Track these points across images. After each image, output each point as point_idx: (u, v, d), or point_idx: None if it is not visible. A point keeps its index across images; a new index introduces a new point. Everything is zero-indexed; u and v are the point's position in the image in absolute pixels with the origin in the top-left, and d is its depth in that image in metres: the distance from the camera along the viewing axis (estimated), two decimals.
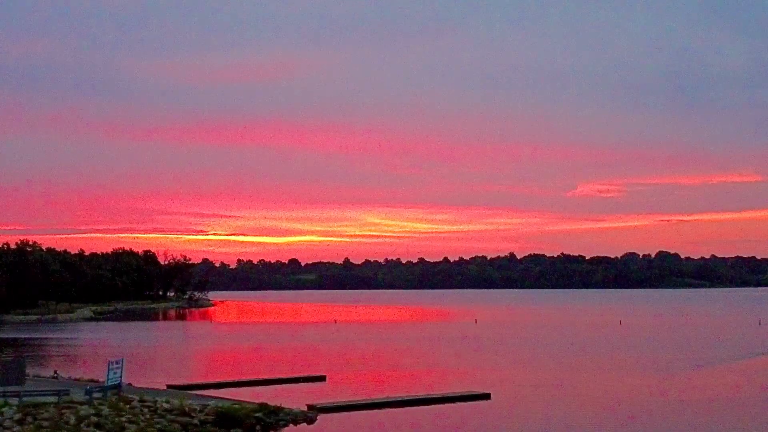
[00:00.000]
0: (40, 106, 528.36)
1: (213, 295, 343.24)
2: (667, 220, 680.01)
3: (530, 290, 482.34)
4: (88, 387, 45.16)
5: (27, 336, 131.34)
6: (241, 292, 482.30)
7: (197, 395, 56.57)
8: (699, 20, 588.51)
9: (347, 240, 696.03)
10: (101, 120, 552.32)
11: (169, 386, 62.24)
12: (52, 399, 43.50)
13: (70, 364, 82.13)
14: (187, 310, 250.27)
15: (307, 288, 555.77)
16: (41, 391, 44.40)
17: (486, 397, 57.72)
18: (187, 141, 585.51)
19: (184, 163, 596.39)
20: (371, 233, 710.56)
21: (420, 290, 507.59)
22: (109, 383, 45.43)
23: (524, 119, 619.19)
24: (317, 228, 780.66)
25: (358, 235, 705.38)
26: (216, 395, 56.56)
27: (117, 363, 46.58)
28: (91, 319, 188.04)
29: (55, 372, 64.69)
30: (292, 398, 55.01)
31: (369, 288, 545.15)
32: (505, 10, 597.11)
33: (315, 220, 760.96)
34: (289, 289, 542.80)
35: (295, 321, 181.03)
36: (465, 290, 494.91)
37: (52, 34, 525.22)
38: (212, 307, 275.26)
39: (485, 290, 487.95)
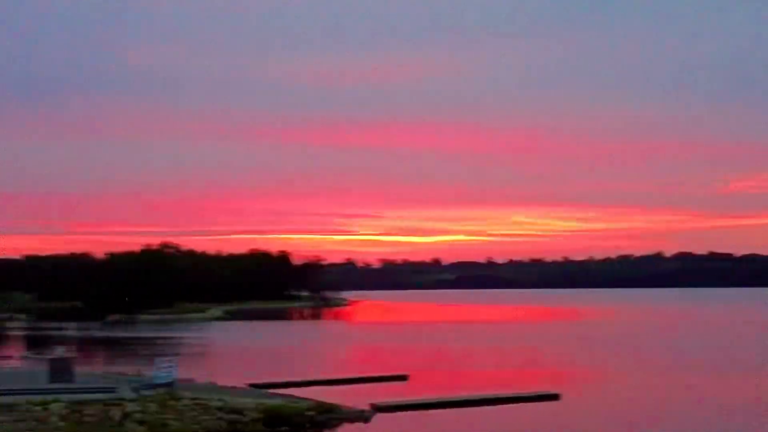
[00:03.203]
0: (183, 112, 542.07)
1: (351, 295, 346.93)
2: None
3: (676, 289, 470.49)
4: (137, 384, 46.06)
5: (150, 335, 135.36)
6: (381, 291, 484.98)
7: (272, 393, 57.17)
8: None
9: (492, 239, 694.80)
10: (250, 123, 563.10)
11: (251, 385, 63.05)
12: (101, 396, 44.47)
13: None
14: (319, 310, 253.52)
15: (449, 288, 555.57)
16: (91, 388, 45.49)
17: (555, 397, 56.49)
18: (332, 142, 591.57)
19: (330, 165, 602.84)
20: (516, 232, 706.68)
21: (563, 290, 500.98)
22: (157, 381, 46.20)
23: (672, 114, 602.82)
24: (462, 227, 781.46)
25: (503, 234, 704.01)
26: (292, 394, 56.99)
27: (168, 361, 47.35)
28: (221, 319, 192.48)
29: (139, 371, 66.15)
30: (364, 397, 54.88)
31: (511, 288, 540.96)
32: (635, 5, 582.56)
33: (460, 220, 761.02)
34: (431, 288, 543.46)
35: (417, 320, 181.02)
36: (609, 289, 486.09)
37: (176, 40, 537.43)
38: (345, 307, 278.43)
39: (629, 289, 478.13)
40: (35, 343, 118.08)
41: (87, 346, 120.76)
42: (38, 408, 42.05)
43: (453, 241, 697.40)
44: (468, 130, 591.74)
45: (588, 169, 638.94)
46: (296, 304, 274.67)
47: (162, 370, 46.73)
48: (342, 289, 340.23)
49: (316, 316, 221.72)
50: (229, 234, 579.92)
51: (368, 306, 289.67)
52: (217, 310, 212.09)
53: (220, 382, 62.83)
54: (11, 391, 44.38)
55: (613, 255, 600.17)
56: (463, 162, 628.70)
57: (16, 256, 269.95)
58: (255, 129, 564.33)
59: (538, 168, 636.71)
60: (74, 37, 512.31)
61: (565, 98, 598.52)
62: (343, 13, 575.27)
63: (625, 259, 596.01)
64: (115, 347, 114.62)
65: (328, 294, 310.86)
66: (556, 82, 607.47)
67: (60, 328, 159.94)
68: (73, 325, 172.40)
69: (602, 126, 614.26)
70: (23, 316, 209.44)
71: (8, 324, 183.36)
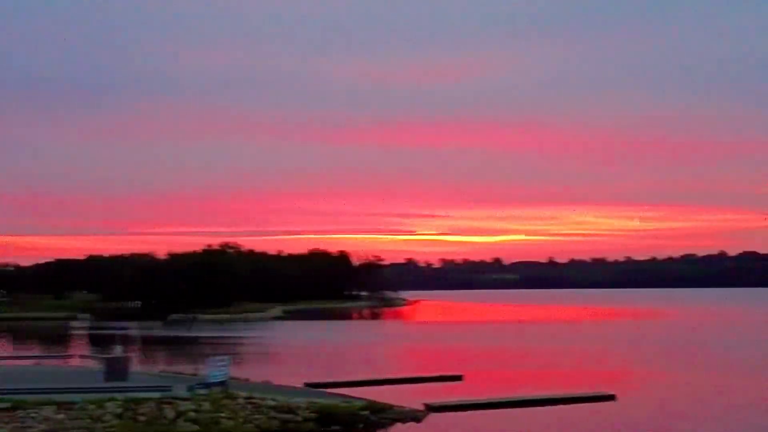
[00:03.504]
0: (244, 112, 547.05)
1: (411, 295, 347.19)
2: None
3: (740, 289, 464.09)
4: (191, 383, 46.49)
5: (210, 334, 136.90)
6: (442, 291, 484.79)
7: (328, 393, 57.37)
8: None
9: (553, 239, 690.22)
10: (310, 124, 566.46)
11: (306, 384, 63.37)
12: (155, 395, 44.92)
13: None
14: (378, 310, 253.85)
15: (510, 287, 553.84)
16: (145, 386, 45.99)
17: (610, 398, 55.96)
18: (393, 143, 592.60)
19: (391, 165, 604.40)
20: (578, 231, 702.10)
21: (625, 289, 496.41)
22: (211, 380, 46.58)
23: (733, 113, 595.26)
24: (524, 227, 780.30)
25: (565, 234, 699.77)
26: (347, 393, 57.11)
27: (221, 360, 47.73)
28: (280, 319, 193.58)
29: (196, 369, 66.83)
30: (419, 397, 54.80)
31: (573, 287, 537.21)
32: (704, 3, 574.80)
33: (522, 219, 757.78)
34: (492, 288, 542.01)
35: (476, 320, 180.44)
36: (671, 289, 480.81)
37: (251, 41, 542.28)
38: (404, 307, 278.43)
39: (692, 289, 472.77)
40: (97, 343, 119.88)
41: (148, 345, 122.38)
42: (93, 406, 42.66)
43: (514, 240, 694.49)
44: (529, 128, 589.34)
45: (651, 168, 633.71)
46: (355, 304, 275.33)
47: (216, 369, 47.09)
48: (402, 289, 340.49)
49: (375, 316, 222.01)
50: (290, 234, 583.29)
51: (427, 306, 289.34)
52: (276, 310, 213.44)
53: (277, 382, 63.34)
54: (68, 390, 45.05)
55: (676, 254, 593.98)
56: (524, 161, 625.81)
57: (79, 257, 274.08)
58: (316, 129, 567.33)
59: (600, 166, 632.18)
60: (132, 39, 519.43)
61: (628, 96, 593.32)
62: (409, 13, 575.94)
63: (688, 259, 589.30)
64: (174, 346, 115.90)
65: (388, 294, 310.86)
66: (617, 80, 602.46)
67: (122, 328, 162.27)
68: (134, 324, 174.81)
69: (666, 124, 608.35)
70: (86, 315, 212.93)
71: (72, 323, 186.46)
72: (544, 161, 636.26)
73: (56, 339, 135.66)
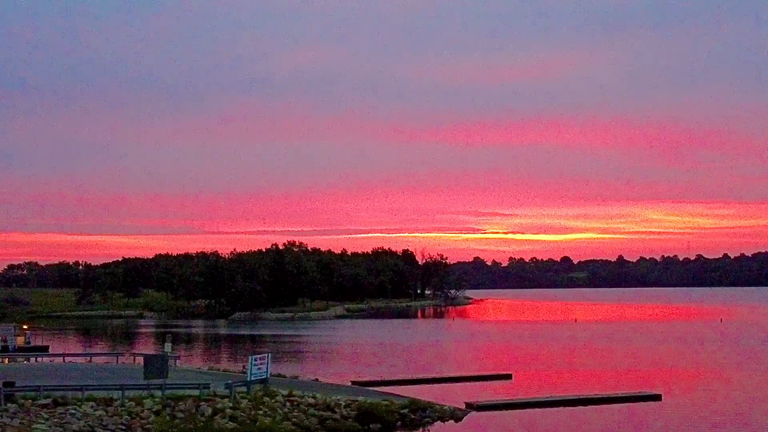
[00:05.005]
0: (323, 112, 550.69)
1: (478, 293, 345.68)
2: None
3: None
4: (230, 381, 47.01)
5: (272, 332, 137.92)
6: (509, 290, 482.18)
7: (374, 391, 57.59)
8: None
9: (624, 237, 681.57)
10: (380, 123, 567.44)
11: (353, 382, 63.71)
12: (194, 392, 45.47)
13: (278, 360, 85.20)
14: (442, 308, 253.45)
15: (579, 286, 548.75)
16: (184, 384, 46.57)
17: (656, 398, 55.39)
18: (464, 141, 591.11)
19: (462, 163, 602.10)
20: (649, 230, 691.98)
21: (696, 288, 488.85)
22: (252, 378, 47.03)
23: None
24: (595, 225, 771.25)
25: (636, 232, 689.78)
26: (394, 392, 57.25)
27: (261, 358, 48.16)
28: (343, 317, 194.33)
29: (244, 367, 67.38)
30: (467, 396, 54.81)
31: (642, 286, 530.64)
32: None
33: (593, 218, 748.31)
34: (560, 287, 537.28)
35: (537, 319, 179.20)
36: (743, 288, 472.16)
37: (333, 42, 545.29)
38: (469, 305, 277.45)
39: (765, 288, 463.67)
40: (161, 340, 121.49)
41: (209, 342, 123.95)
42: (132, 403, 43.34)
43: (584, 239, 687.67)
44: (599, 126, 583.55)
45: (726, 165, 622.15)
46: (420, 303, 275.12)
47: (256, 367, 47.56)
48: (470, 288, 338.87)
49: (439, 314, 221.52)
50: (355, 233, 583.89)
51: (493, 304, 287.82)
52: (339, 309, 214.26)
53: (326, 380, 63.84)
54: (109, 387, 45.72)
55: (748, 252, 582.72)
56: (594, 158, 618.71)
57: (147, 256, 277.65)
58: (385, 128, 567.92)
59: (675, 164, 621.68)
60: (215, 42, 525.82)
61: (705, 94, 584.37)
62: (481, 15, 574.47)
63: (761, 257, 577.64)
64: (234, 344, 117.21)
65: (452, 292, 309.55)
66: (696, 78, 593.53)
67: (187, 326, 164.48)
68: (199, 322, 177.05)
69: (741, 121, 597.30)
70: (153, 313, 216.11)
71: (139, 321, 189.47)
72: (619, 158, 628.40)
73: (124, 336, 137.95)
